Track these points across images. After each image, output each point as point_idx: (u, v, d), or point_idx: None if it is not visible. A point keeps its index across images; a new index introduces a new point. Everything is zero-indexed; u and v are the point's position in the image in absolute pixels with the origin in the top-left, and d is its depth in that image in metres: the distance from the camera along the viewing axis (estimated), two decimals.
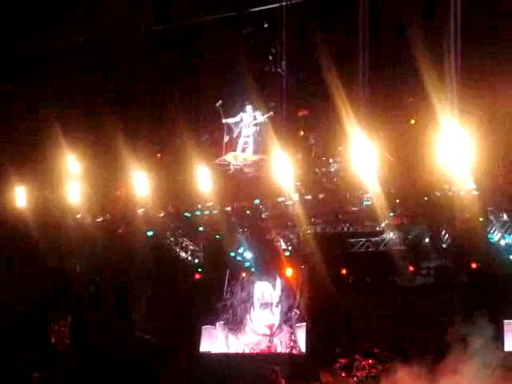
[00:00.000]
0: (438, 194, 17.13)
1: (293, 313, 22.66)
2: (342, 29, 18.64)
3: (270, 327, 22.84)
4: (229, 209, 19.56)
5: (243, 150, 19.64)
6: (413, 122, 17.46)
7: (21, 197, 20.06)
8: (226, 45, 20.31)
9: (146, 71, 21.38)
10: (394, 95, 17.89)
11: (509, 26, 16.25)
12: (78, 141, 20.31)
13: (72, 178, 19.79)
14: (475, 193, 16.64)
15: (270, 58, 20.02)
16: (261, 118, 19.60)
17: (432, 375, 17.65)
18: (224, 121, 19.64)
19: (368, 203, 18.10)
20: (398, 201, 18.06)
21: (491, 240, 19.16)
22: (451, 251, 20.26)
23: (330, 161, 17.85)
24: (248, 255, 22.84)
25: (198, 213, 19.88)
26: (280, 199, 18.73)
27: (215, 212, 19.56)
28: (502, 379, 17.36)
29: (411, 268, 21.38)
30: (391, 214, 19.06)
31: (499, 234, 19.12)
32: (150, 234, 20.98)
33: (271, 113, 19.43)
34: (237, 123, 19.76)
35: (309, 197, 18.30)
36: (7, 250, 21.59)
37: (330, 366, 20.42)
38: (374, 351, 20.40)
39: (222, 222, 20.16)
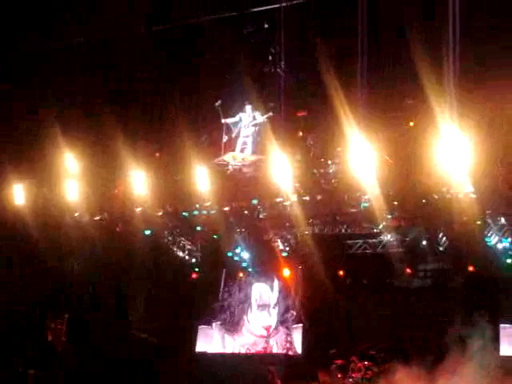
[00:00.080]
0: (436, 196, 17.10)
1: (289, 314, 22.63)
2: (341, 29, 18.68)
3: (267, 328, 22.81)
4: (227, 209, 19.54)
5: (242, 150, 19.62)
6: (412, 124, 17.44)
7: (19, 195, 20.07)
8: (226, 45, 20.33)
9: (146, 71, 21.43)
10: (394, 97, 17.91)
11: (509, 26, 16.29)
12: (77, 140, 20.32)
13: (70, 176, 19.80)
14: (473, 196, 16.60)
15: (270, 58, 20.05)
16: (260, 118, 19.59)
17: (430, 376, 17.68)
18: (223, 121, 19.62)
19: (366, 205, 18.09)
20: (395, 203, 18.04)
21: (488, 243, 19.16)
22: (448, 254, 20.26)
23: (329, 162, 17.83)
24: (245, 255, 22.82)
25: (195, 212, 19.88)
26: (278, 200, 18.73)
27: (213, 212, 19.53)
28: (499, 381, 17.38)
29: (408, 270, 21.38)
30: (389, 216, 19.08)
31: (496, 238, 19.12)
32: (147, 233, 20.98)
33: (270, 113, 19.44)
34: (236, 123, 19.75)
35: (307, 198, 18.27)
36: (6, 250, 21.59)
37: (326, 367, 20.43)
38: (370, 353, 20.40)
39: (220, 221, 20.16)
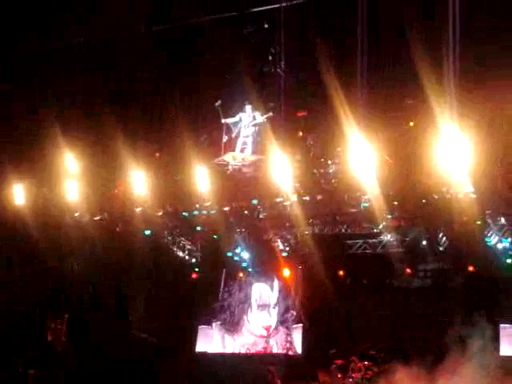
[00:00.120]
0: (436, 196, 17.10)
1: (289, 314, 22.63)
2: (341, 29, 18.68)
3: (267, 328, 22.81)
4: (227, 209, 19.54)
5: (242, 150, 19.61)
6: (412, 124, 17.44)
7: (19, 195, 20.07)
8: (226, 45, 20.31)
9: (146, 71, 21.41)
10: (394, 97, 17.90)
11: (509, 26, 16.28)
12: (77, 140, 20.31)
13: (70, 176, 19.80)
14: (473, 196, 16.60)
15: (270, 58, 20.04)
16: (260, 118, 19.58)
17: (430, 376, 17.68)
18: (223, 121, 19.61)
19: (366, 205, 18.09)
20: (396, 203, 18.04)
21: (488, 243, 19.16)
22: (448, 254, 20.26)
23: (329, 162, 17.83)
24: (245, 255, 22.83)
25: (195, 212, 19.88)
26: (278, 200, 18.73)
27: (213, 212, 19.54)
28: (499, 381, 17.38)
29: (408, 270, 21.39)
30: (389, 216, 19.09)
31: (496, 238, 19.11)
32: (147, 232, 20.99)
33: (270, 113, 19.43)
34: (236, 123, 19.74)
35: (307, 198, 18.27)
36: (6, 250, 21.59)
37: (326, 367, 20.43)
38: (370, 353, 20.41)
39: (220, 221, 20.16)
